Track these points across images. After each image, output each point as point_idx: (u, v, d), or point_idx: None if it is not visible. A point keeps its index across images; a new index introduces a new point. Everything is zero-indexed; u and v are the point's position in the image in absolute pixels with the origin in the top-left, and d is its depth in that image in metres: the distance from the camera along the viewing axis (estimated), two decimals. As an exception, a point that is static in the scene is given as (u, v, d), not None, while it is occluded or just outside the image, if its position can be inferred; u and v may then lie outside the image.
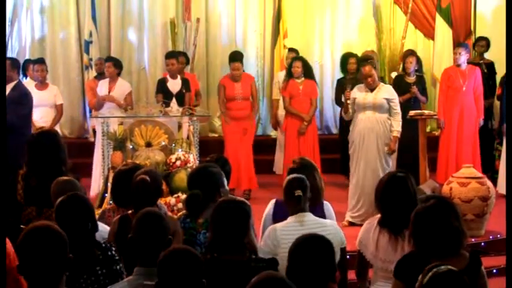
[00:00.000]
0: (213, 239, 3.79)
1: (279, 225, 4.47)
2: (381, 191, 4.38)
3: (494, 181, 8.81)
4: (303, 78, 9.40)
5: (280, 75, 10.51)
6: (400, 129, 7.81)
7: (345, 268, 4.55)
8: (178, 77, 9.43)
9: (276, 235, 4.39)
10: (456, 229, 3.65)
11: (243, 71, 9.67)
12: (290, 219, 4.47)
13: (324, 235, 3.38)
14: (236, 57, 9.59)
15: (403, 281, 3.62)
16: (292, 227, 4.38)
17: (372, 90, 7.81)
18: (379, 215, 4.42)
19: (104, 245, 3.85)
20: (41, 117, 8.97)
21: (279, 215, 4.78)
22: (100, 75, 10.07)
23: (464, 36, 11.57)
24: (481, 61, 10.38)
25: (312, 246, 3.20)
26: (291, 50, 10.75)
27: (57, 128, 9.14)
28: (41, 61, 9.55)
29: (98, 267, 3.73)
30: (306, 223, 4.41)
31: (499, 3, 11.15)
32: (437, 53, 11.36)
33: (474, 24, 11.82)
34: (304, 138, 9.37)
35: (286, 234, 4.33)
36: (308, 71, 9.51)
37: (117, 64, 9.44)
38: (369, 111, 7.80)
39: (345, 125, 9.03)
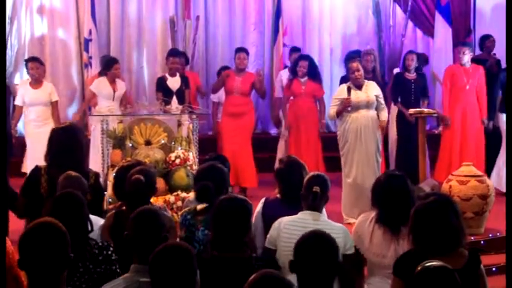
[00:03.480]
0: (214, 236, 3.79)
1: (286, 218, 4.42)
2: (379, 190, 4.41)
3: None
4: (306, 78, 9.42)
5: (283, 73, 10.50)
6: (386, 119, 8.09)
7: (356, 274, 4.47)
8: (177, 74, 9.43)
9: (279, 227, 4.36)
10: (455, 226, 3.66)
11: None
12: (302, 214, 4.42)
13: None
14: (242, 49, 9.83)
15: (402, 279, 3.63)
16: (303, 223, 4.33)
17: (359, 87, 7.85)
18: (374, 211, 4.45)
19: (98, 245, 3.84)
20: (37, 116, 8.86)
21: (268, 214, 4.75)
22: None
23: (464, 34, 11.56)
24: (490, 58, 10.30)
25: (316, 243, 3.19)
26: (295, 49, 10.72)
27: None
28: (34, 59, 9.48)
29: (91, 266, 3.72)
30: (320, 221, 4.38)
31: (499, 1, 11.14)
32: (437, 50, 11.35)
33: (474, 22, 11.81)
34: (307, 136, 9.40)
35: (291, 227, 4.29)
36: (313, 71, 9.52)
37: None
38: (363, 110, 7.85)
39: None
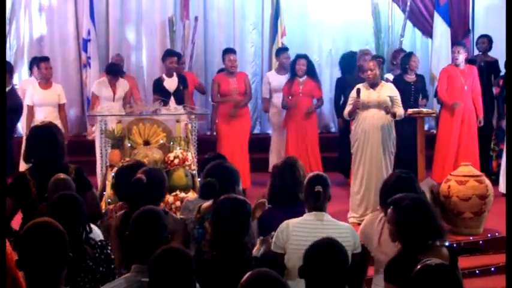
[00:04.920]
0: (213, 236, 3.78)
1: (292, 221, 4.37)
2: (388, 190, 4.39)
3: (491, 182, 8.78)
4: (305, 77, 9.42)
5: (270, 75, 10.38)
6: (401, 113, 7.85)
7: (361, 272, 4.48)
8: (174, 74, 9.41)
9: (287, 230, 4.31)
10: (431, 222, 3.76)
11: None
12: (307, 216, 4.39)
13: (338, 239, 3.37)
14: (231, 50, 9.75)
15: (396, 284, 3.61)
16: (310, 224, 4.32)
17: (372, 87, 7.82)
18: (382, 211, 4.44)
19: (98, 244, 3.85)
20: (44, 116, 8.86)
21: (266, 227, 4.66)
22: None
23: (463, 35, 11.55)
24: (482, 60, 10.32)
25: (327, 251, 3.20)
26: (283, 49, 10.60)
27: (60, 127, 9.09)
28: (47, 59, 9.50)
29: (94, 266, 3.73)
30: (325, 222, 4.35)
31: (497, 1, 11.15)
32: (436, 51, 11.34)
33: (472, 23, 11.82)
34: (305, 136, 9.41)
35: (299, 230, 4.27)
36: (312, 70, 9.51)
37: None
38: (373, 109, 7.81)
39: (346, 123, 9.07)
